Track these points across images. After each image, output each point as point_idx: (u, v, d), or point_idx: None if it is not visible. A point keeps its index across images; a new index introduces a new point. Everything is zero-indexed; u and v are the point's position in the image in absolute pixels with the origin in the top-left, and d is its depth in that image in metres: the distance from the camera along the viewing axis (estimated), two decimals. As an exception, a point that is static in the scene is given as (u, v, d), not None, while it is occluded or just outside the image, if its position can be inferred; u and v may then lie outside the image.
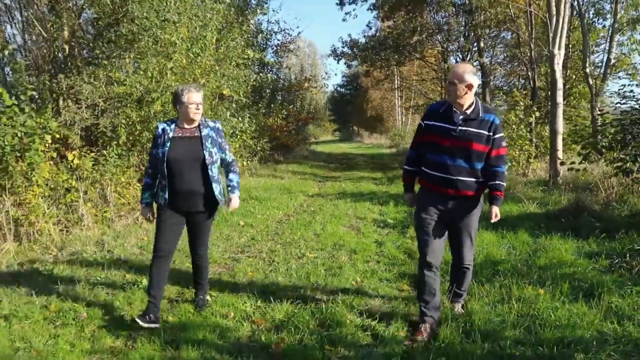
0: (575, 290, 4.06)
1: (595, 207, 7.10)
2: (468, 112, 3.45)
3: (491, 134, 3.44)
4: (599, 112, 10.00)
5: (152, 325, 3.53)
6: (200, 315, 3.84)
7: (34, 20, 8.11)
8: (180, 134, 3.70)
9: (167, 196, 3.68)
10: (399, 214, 8.01)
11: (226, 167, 3.95)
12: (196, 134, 3.72)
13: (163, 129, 3.71)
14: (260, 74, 12.58)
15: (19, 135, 6.40)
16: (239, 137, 11.83)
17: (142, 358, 3.16)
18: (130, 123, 7.94)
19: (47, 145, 6.76)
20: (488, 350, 3.14)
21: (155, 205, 3.91)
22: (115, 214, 7.29)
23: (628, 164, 7.59)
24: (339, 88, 53.76)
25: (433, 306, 3.58)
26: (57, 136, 7.19)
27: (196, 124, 3.75)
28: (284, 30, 20.12)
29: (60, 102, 8.15)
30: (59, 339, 3.47)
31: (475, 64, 18.40)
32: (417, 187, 3.83)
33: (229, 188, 3.91)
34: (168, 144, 3.64)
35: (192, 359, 3.11)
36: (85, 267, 5.23)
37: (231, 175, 3.94)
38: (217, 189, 3.75)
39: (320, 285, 4.54)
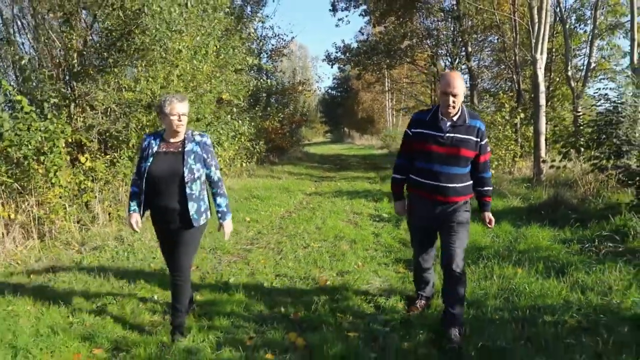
0: (548, 269, 4.70)
1: (573, 201, 7.76)
2: (455, 118, 3.48)
3: (479, 139, 3.50)
4: (575, 114, 10.67)
5: (184, 339, 3.53)
6: (226, 293, 4.42)
7: (49, 31, 8.62)
8: (164, 149, 3.57)
9: (142, 212, 3.62)
10: (393, 209, 8.59)
11: (212, 187, 3.72)
12: (180, 149, 3.56)
13: (149, 143, 3.60)
14: (261, 80, 13.16)
15: (40, 139, 6.88)
16: (237, 139, 12.41)
17: (181, 327, 3.73)
18: (140, 127, 8.48)
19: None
20: (473, 316, 3.76)
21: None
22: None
23: (603, 162, 8.23)
24: (329, 90, 54.40)
25: (428, 290, 4.06)
26: (70, 140, 7.70)
27: (181, 137, 3.59)
28: (278, 35, 20.81)
29: (72, 108, 8.68)
30: (105, 315, 4.04)
31: (463, 67, 19.14)
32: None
33: (219, 215, 3.70)
34: (150, 159, 3.53)
35: (225, 327, 3.69)
36: (110, 259, 5.80)
37: (219, 200, 3.69)
38: (193, 207, 3.51)
39: (327, 269, 5.16)
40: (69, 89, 8.41)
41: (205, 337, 3.50)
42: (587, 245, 5.44)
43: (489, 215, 3.73)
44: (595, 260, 4.94)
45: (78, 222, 7.24)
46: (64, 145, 7.24)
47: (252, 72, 15.09)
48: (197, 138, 3.63)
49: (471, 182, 3.63)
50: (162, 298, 4.38)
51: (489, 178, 3.69)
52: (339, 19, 35.18)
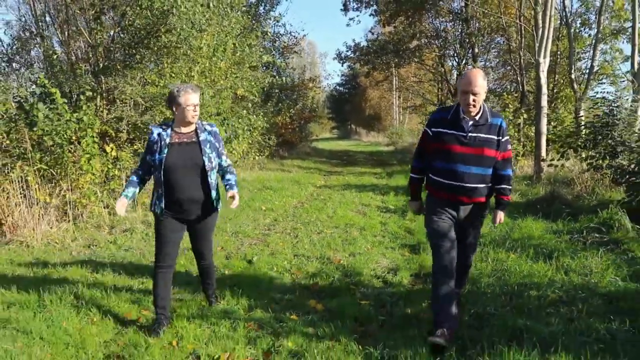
0: (538, 255, 5.25)
1: (568, 197, 8.30)
2: (477, 117, 3.39)
3: (500, 137, 3.42)
4: (575, 116, 11.18)
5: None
6: (251, 268, 5.00)
7: (82, 29, 9.23)
8: (177, 140, 3.55)
9: (163, 205, 3.56)
10: (399, 202, 9.17)
11: (222, 170, 3.79)
12: (194, 139, 3.59)
13: (159, 134, 3.55)
14: (276, 77, 13.76)
15: (74, 129, 7.46)
16: (251, 133, 13.00)
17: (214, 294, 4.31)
18: (164, 119, 9.07)
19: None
20: (469, 290, 4.32)
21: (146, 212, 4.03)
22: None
23: (598, 161, 8.76)
24: (337, 87, 54.85)
25: (454, 318, 3.44)
26: (97, 131, 8.26)
27: (193, 127, 3.62)
28: (289, 33, 21.34)
29: (98, 100, 9.27)
30: (147, 284, 4.62)
31: (469, 67, 19.63)
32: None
33: (227, 186, 3.74)
34: (165, 151, 3.49)
35: (254, 295, 4.27)
36: (141, 240, 6.40)
37: (228, 175, 3.79)
38: (214, 195, 3.64)
39: (339, 250, 5.74)
40: (97, 83, 9.00)
41: (238, 302, 4.08)
42: (575, 236, 5.99)
43: (500, 215, 3.69)
44: (581, 248, 5.49)
45: (106, 207, 7.81)
46: (96, 135, 7.81)
47: (264, 68, 15.69)
48: (208, 128, 3.69)
49: (491, 184, 3.54)
50: (195, 272, 4.97)
51: (509, 176, 3.58)
52: (350, 19, 35.70)
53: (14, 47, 9.99)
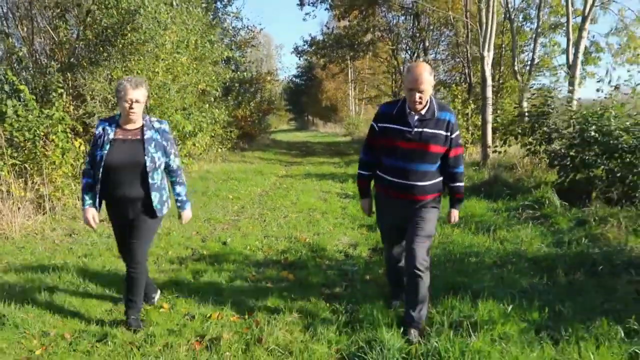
0: (479, 229, 6.02)
1: (509, 180, 9.18)
2: (423, 112, 3.26)
3: (449, 133, 3.28)
4: (515, 105, 12.15)
5: (139, 328, 3.49)
6: (227, 248, 5.56)
7: (47, 26, 9.46)
8: (121, 136, 3.39)
9: (97, 204, 3.44)
10: (357, 188, 9.84)
11: (171, 175, 3.62)
12: (138, 137, 3.40)
13: (103, 129, 3.40)
14: (237, 73, 14.22)
15: (46, 125, 7.76)
16: (214, 126, 13.43)
17: (197, 271, 4.85)
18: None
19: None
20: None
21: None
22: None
23: (536, 147, 9.67)
24: (294, 78, 55.24)
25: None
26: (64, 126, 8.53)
27: (139, 123, 3.44)
28: (247, 27, 21.70)
29: (64, 97, 9.54)
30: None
31: (420, 60, 20.54)
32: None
33: (178, 204, 3.65)
34: (107, 147, 3.33)
35: (232, 269, 4.83)
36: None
37: (178, 189, 3.64)
38: (156, 197, 3.43)
39: (305, 231, 6.38)
40: (64, 79, 9.27)
41: (219, 276, 4.64)
42: (512, 213, 6.82)
43: (455, 214, 3.62)
44: (516, 222, 6.30)
45: (80, 200, 8.14)
46: (69, 130, 8.12)
47: (224, 63, 16.10)
48: (156, 125, 3.50)
49: (441, 178, 3.44)
50: (175, 253, 5.50)
51: (461, 173, 3.48)
52: (306, 13, 36.27)
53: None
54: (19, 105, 7.53)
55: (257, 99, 21.99)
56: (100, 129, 3.41)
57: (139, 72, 9.49)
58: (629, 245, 4.85)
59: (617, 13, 14.93)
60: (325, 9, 22.69)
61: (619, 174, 6.81)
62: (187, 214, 3.70)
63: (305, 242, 5.80)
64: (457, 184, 3.49)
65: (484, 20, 12.66)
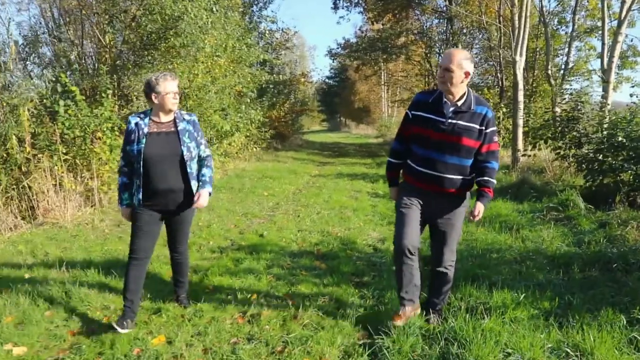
0: (503, 228, 6.30)
1: (537, 183, 9.37)
2: (459, 103, 3.22)
3: (483, 127, 3.21)
4: (545, 110, 12.26)
5: (128, 331, 3.42)
6: (263, 240, 5.99)
7: (96, 31, 10.12)
8: (156, 129, 3.50)
9: (141, 196, 3.50)
10: (388, 189, 10.18)
11: (201, 162, 3.72)
12: (172, 129, 3.53)
13: (136, 124, 3.49)
14: (273, 75, 14.75)
15: (97, 124, 8.35)
16: (250, 126, 13.98)
17: (237, 258, 5.28)
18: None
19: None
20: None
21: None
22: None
23: (565, 151, 9.83)
24: (327, 80, 55.77)
25: (411, 291, 3.44)
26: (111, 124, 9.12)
27: (172, 116, 3.57)
28: (281, 29, 22.25)
29: (110, 97, 10.17)
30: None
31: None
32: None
33: (200, 183, 3.65)
34: (144, 140, 3.43)
35: (269, 258, 5.25)
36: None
37: (204, 170, 3.69)
38: (195, 186, 3.59)
39: (336, 226, 6.77)
40: (110, 81, 9.90)
41: (257, 263, 5.07)
42: (537, 214, 7.05)
43: (480, 207, 3.33)
44: (539, 223, 6.55)
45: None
46: (116, 128, 8.71)
47: (258, 65, 16.67)
48: (187, 117, 3.63)
49: (472, 175, 3.34)
50: (216, 243, 5.95)
51: (494, 169, 3.33)
52: (340, 17, 36.84)
53: (29, 48, 10.81)
54: (71, 104, 8.15)
55: (290, 100, 22.51)
56: (132, 124, 3.50)
57: (180, 74, 10.04)
58: (647, 246, 5.07)
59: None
60: (359, 12, 23.05)
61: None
62: (204, 193, 3.58)
63: (337, 236, 6.19)
64: (487, 178, 3.31)
65: (516, 24, 12.81)
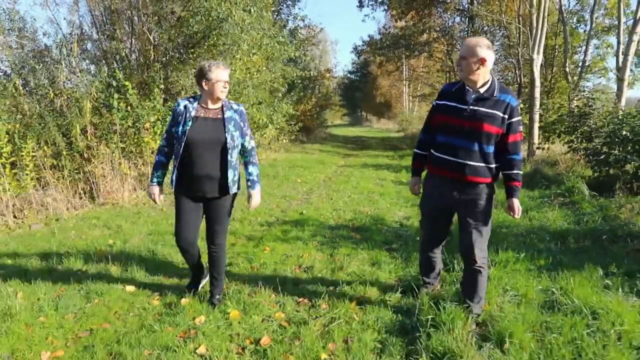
0: (513, 210, 7.15)
1: (549, 174, 10.17)
2: (481, 90, 3.24)
3: (506, 116, 3.20)
4: (559, 105, 13.00)
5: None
6: (304, 217, 6.96)
7: (145, 30, 11.17)
8: (203, 114, 3.50)
9: (175, 179, 3.55)
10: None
11: (245, 156, 3.71)
12: (219, 116, 3.52)
13: (185, 106, 3.51)
14: (304, 71, 15.73)
15: (146, 115, 9.37)
16: (281, 119, 14.99)
17: (284, 230, 6.24)
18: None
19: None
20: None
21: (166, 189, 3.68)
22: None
23: (577, 145, 10.58)
24: (348, 74, 56.43)
25: (433, 277, 3.99)
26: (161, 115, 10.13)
27: (220, 104, 3.56)
28: (308, 26, 23.14)
29: (155, 91, 11.20)
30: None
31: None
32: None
33: (248, 183, 3.68)
34: (189, 123, 3.44)
35: (312, 230, 6.21)
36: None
37: (251, 168, 3.70)
38: (231, 175, 3.54)
39: (366, 206, 7.73)
40: (159, 76, 10.93)
41: (302, 233, 6.03)
42: (545, 199, 7.90)
43: (516, 203, 3.35)
44: (547, 206, 7.40)
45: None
46: (162, 120, 9.70)
47: (287, 61, 17.66)
48: (235, 106, 3.62)
49: (496, 164, 3.32)
50: (263, 219, 6.92)
51: (519, 161, 3.32)
52: (365, 15, 37.51)
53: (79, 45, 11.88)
54: (123, 98, 9.17)
55: (316, 94, 23.46)
56: (181, 106, 3.52)
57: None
58: (636, 224, 5.90)
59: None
60: (383, 10, 23.86)
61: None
62: (256, 194, 3.67)
63: (367, 214, 7.14)
64: (515, 171, 3.31)
65: (534, 24, 13.52)
